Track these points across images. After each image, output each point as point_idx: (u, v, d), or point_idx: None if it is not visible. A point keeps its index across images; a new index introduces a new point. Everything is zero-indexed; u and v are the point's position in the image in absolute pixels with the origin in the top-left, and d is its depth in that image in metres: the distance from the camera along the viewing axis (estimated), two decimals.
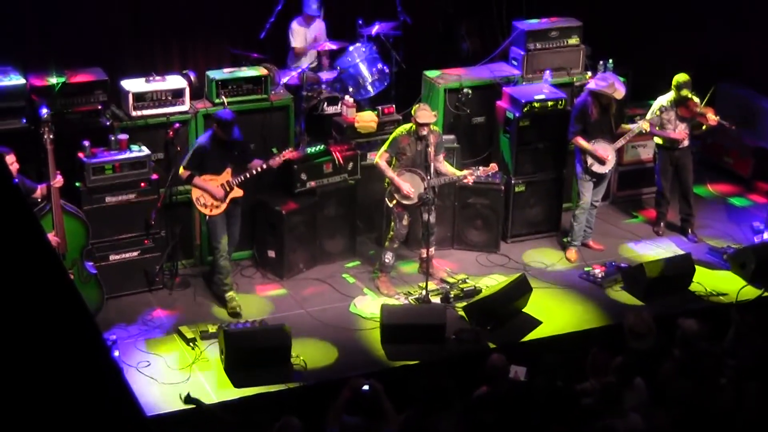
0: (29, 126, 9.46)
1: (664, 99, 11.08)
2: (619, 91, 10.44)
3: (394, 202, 9.97)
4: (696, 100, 10.99)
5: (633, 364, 7.73)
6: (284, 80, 10.89)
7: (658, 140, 11.25)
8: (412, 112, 9.91)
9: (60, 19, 11.01)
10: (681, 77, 10.94)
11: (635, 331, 8.26)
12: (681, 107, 11.00)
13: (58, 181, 8.74)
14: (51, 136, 8.68)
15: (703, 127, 11.24)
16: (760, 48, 13.00)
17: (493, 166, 10.20)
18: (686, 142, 11.16)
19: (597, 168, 10.64)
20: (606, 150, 10.60)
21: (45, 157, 8.73)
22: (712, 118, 11.02)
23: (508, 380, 7.89)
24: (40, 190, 8.87)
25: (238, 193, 9.57)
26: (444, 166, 10.04)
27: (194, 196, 9.53)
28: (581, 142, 10.59)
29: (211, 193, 9.46)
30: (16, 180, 8.59)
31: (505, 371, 7.87)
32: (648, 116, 11.04)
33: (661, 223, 11.44)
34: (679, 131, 11.05)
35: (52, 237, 8.69)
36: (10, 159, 8.53)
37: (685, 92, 10.89)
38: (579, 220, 10.84)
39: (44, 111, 8.95)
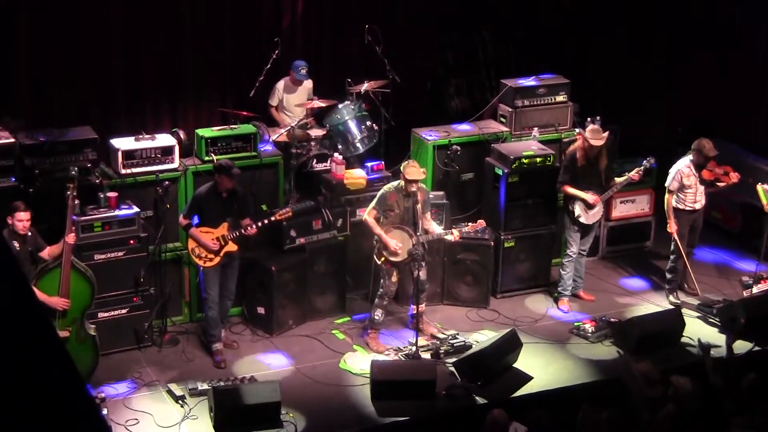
0: (18, 184, 9.48)
1: (682, 164, 10.87)
2: (596, 139, 10.48)
3: (383, 259, 9.97)
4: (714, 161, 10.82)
5: (624, 423, 7.66)
6: (273, 137, 10.94)
7: (675, 204, 10.90)
8: (401, 168, 9.95)
9: (51, 78, 11.08)
10: (705, 142, 10.71)
11: (650, 377, 8.15)
12: (703, 170, 10.84)
13: (71, 237, 8.78)
14: (75, 193, 8.81)
15: (720, 185, 11.03)
16: (743, 106, 13.11)
17: (481, 222, 10.23)
18: (703, 202, 11.02)
19: (584, 218, 10.69)
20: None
21: (64, 212, 8.82)
22: (734, 175, 10.93)
23: None
24: (48, 250, 8.90)
25: (232, 247, 9.59)
26: (431, 225, 10.06)
27: (190, 246, 9.60)
28: (569, 189, 10.64)
29: (205, 246, 9.48)
30: (29, 233, 8.76)
31: (505, 427, 7.79)
32: (667, 183, 10.92)
33: (681, 288, 11.19)
34: (700, 193, 10.91)
35: (57, 300, 8.68)
36: (24, 215, 8.64)
37: (708, 155, 10.71)
38: (567, 269, 10.90)
39: (73, 170, 9.04)
